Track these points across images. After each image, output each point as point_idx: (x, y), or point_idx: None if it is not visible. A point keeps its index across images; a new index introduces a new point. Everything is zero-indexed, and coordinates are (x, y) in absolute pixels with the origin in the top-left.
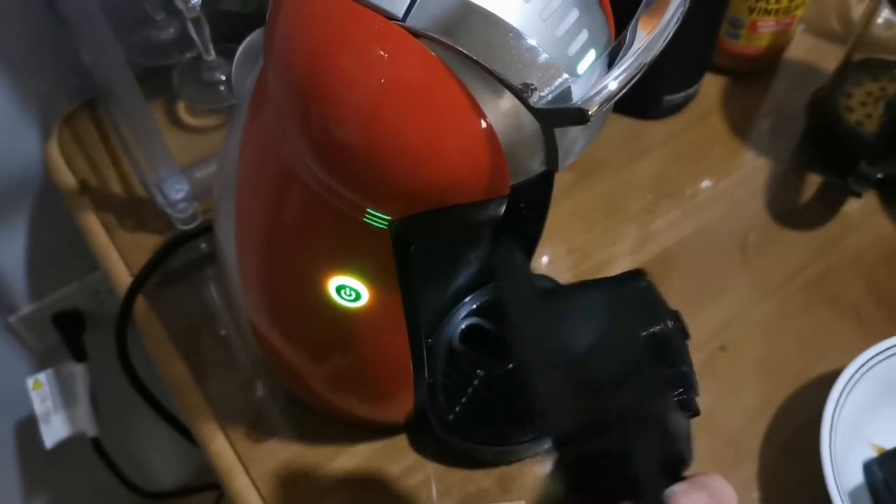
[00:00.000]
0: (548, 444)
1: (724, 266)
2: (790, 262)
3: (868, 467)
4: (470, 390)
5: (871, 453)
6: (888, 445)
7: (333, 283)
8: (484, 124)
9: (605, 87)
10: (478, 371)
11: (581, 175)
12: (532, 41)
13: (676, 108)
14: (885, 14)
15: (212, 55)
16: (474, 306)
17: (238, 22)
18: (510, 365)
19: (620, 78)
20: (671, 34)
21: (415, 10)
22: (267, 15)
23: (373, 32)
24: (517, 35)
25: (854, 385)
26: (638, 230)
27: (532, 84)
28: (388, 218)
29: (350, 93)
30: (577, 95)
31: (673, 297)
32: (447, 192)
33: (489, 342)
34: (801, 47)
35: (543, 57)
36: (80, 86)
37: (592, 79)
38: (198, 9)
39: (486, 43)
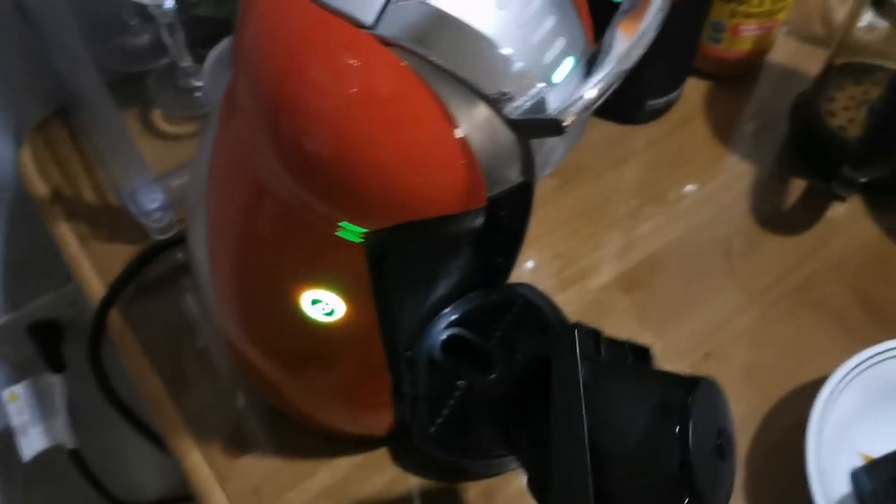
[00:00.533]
0: None
1: (709, 271)
2: (775, 266)
3: (855, 476)
4: (452, 402)
5: (859, 461)
6: (876, 453)
7: (308, 297)
8: (458, 135)
9: (582, 96)
10: (459, 382)
11: (564, 180)
12: (506, 50)
13: (659, 112)
14: (867, 17)
15: (187, 61)
16: (455, 316)
17: (214, 27)
18: (492, 375)
19: (598, 86)
20: (650, 41)
21: (385, 18)
22: (235, 22)
23: (342, 40)
24: (491, 44)
25: (840, 393)
26: (622, 235)
27: (507, 94)
28: (363, 231)
29: (320, 102)
30: (555, 104)
31: (659, 304)
32: (421, 205)
33: (471, 352)
34: (784, 51)
35: (518, 66)
36: (53, 93)
37: (570, 87)
38: (172, 14)
39: (460, 52)
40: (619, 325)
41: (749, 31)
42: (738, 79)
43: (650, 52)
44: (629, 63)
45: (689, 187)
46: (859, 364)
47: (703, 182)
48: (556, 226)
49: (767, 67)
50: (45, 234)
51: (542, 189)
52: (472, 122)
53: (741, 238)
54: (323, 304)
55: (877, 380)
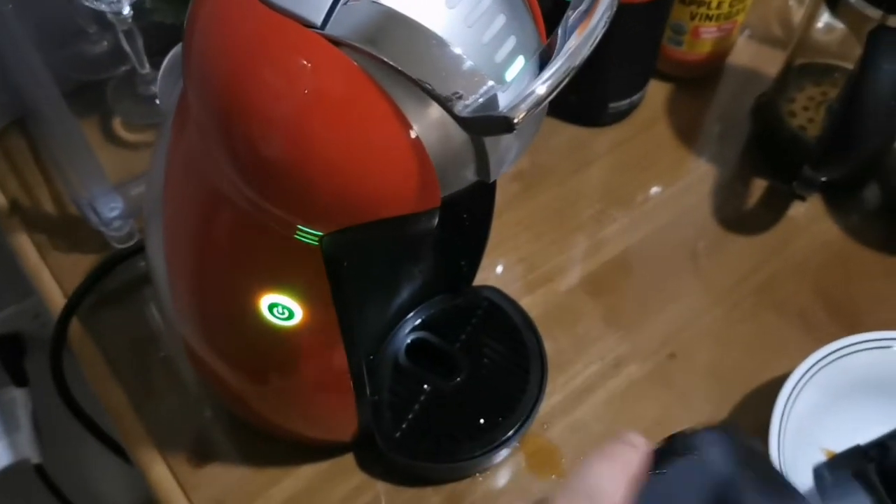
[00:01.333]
0: (496, 460)
1: (673, 273)
2: (738, 267)
3: (817, 471)
4: (417, 406)
5: (822, 457)
6: (838, 448)
7: (265, 301)
8: (411, 135)
9: (532, 92)
10: (424, 386)
11: (528, 184)
12: (456, 49)
13: (622, 115)
14: (824, 18)
15: (146, 68)
16: (419, 321)
17: (173, 34)
18: (457, 379)
19: (548, 84)
20: (599, 38)
21: (334, 17)
22: (183, 26)
23: (292, 42)
24: (440, 43)
25: (801, 390)
26: (587, 239)
27: (457, 93)
28: (319, 234)
29: (272, 107)
30: (506, 103)
31: (624, 306)
32: (376, 206)
33: (435, 357)
34: (745, 53)
35: (468, 65)
36: (11, 104)
37: (522, 85)
38: (129, 20)
39: (409, 51)
40: (586, 327)
41: (709, 33)
42: (700, 81)
43: (612, 54)
44: (578, 60)
45: (654, 189)
46: (820, 360)
47: (667, 184)
48: (520, 230)
49: (729, 69)
50: (3, 246)
51: (506, 193)
52: (425, 122)
53: (705, 239)
54: (280, 309)
55: (837, 376)
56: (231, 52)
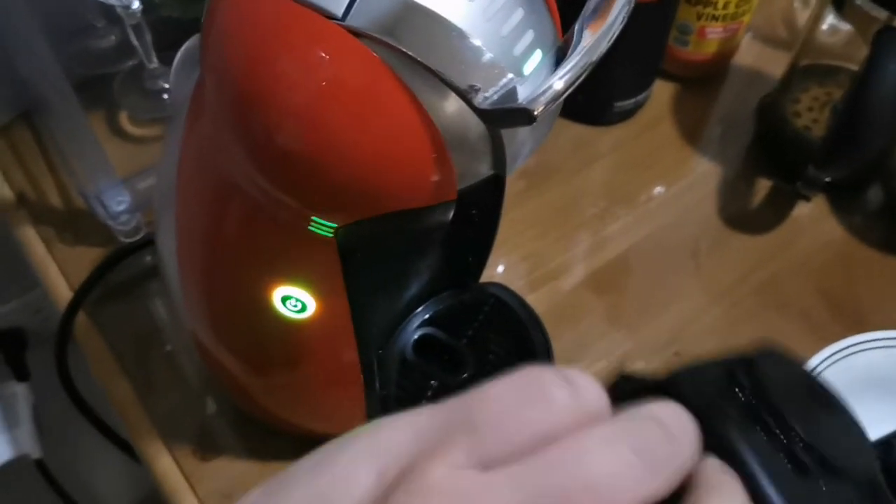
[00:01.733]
0: None
1: (676, 271)
2: (741, 266)
3: None
4: (424, 402)
5: None
6: None
7: (278, 294)
8: (429, 127)
9: (551, 86)
10: (432, 382)
11: (533, 182)
12: (476, 41)
13: (627, 114)
14: (829, 20)
15: (154, 63)
16: (427, 316)
17: (181, 28)
18: (464, 375)
19: (566, 77)
20: (616, 34)
21: (354, 9)
22: (202, 17)
23: (312, 33)
24: (460, 35)
25: None
26: (591, 237)
27: (476, 85)
28: (334, 225)
29: (292, 97)
30: (524, 96)
31: (627, 304)
32: (392, 198)
33: (443, 353)
34: (749, 53)
35: (487, 57)
36: (17, 98)
37: (540, 79)
38: (138, 15)
39: (429, 43)
40: (590, 325)
41: (715, 33)
42: (704, 81)
43: (619, 54)
44: (596, 55)
45: (657, 189)
46: (825, 360)
47: (671, 183)
48: (524, 227)
49: (733, 70)
50: (7, 241)
51: (511, 191)
52: (443, 114)
53: (708, 238)
54: (293, 301)
55: (842, 374)
56: (251, 41)
